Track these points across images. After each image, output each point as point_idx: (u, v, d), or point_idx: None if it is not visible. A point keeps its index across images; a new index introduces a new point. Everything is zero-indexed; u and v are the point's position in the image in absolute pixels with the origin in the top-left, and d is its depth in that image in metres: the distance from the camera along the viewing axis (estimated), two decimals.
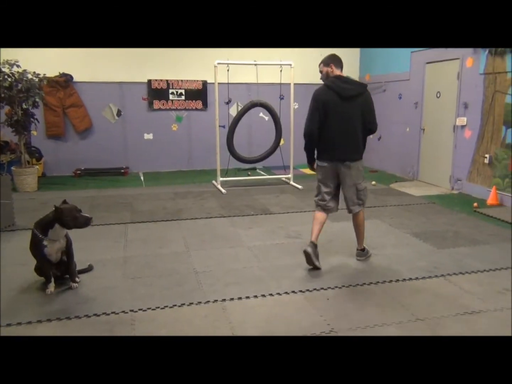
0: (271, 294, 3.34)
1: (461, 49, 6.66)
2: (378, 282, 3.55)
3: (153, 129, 8.95)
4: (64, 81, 8.20)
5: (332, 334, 2.78)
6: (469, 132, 6.68)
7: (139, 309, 3.10)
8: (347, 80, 3.79)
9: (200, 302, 3.21)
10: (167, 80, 8.80)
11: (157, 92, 8.81)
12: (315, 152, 3.98)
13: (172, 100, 8.91)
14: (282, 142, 7.88)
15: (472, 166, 6.68)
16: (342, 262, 4.00)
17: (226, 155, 7.40)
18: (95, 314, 3.03)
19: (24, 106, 7.02)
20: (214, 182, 7.60)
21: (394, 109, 8.37)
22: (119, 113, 8.75)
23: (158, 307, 3.13)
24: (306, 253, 3.78)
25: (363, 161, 3.93)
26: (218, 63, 6.98)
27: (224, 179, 7.40)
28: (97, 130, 8.67)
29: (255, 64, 7.18)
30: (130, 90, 8.69)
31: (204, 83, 8.95)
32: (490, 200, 6.09)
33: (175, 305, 3.16)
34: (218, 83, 7.11)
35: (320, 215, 3.94)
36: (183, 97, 8.95)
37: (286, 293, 3.37)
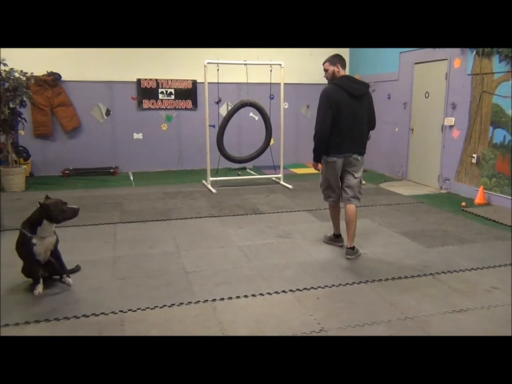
0: (261, 294, 3.34)
1: (449, 50, 6.73)
2: (367, 281, 3.57)
3: (143, 128, 8.91)
4: (52, 80, 8.12)
5: (322, 333, 2.79)
6: (457, 132, 6.75)
7: (129, 310, 3.08)
8: (354, 80, 4.08)
9: (190, 302, 3.20)
10: (156, 80, 8.76)
11: (146, 92, 8.76)
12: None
13: (161, 100, 8.88)
14: (272, 142, 7.88)
15: (460, 166, 6.75)
16: (332, 262, 4.01)
17: (216, 154, 7.39)
18: (84, 315, 3.00)
19: (11, 105, 6.94)
20: (204, 182, 7.59)
21: (383, 109, 8.41)
22: (108, 113, 8.69)
23: (148, 308, 3.11)
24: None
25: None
26: (208, 63, 6.97)
27: (214, 178, 7.38)
28: (85, 130, 8.60)
29: (245, 64, 7.18)
30: (119, 90, 8.64)
31: (194, 83, 8.93)
32: (478, 199, 6.16)
33: (165, 306, 3.15)
34: (208, 83, 7.09)
35: (334, 210, 4.31)
36: (172, 97, 8.92)
37: (276, 292, 3.37)
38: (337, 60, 4.02)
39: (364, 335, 2.75)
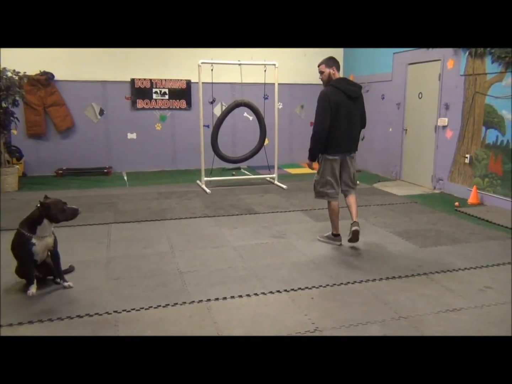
0: (256, 294, 3.34)
1: (443, 50, 6.77)
2: (361, 281, 3.58)
3: (137, 128, 8.88)
4: (45, 80, 8.07)
5: (317, 333, 2.79)
6: (450, 133, 6.79)
7: (123, 310, 3.07)
8: (350, 82, 4.30)
9: (185, 302, 3.19)
10: (150, 79, 8.74)
11: (140, 91, 8.74)
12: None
13: (155, 100, 8.86)
14: (266, 142, 7.89)
15: (453, 166, 6.79)
16: (326, 262, 4.02)
17: (210, 154, 7.38)
18: (78, 316, 2.99)
19: (3, 105, 6.89)
20: (198, 182, 7.57)
21: (377, 110, 8.45)
22: (101, 112, 8.66)
23: (143, 308, 3.10)
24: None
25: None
26: (202, 63, 6.96)
27: (209, 179, 7.37)
28: (79, 130, 8.56)
29: (239, 64, 7.18)
30: (113, 89, 8.60)
31: (188, 83, 8.91)
32: (471, 199, 6.20)
33: (160, 306, 3.14)
34: (202, 83, 7.09)
35: (333, 205, 4.35)
36: (167, 97, 8.90)
37: (271, 292, 3.37)
38: (332, 62, 4.20)
39: (359, 334, 2.76)
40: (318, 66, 4.24)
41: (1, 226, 4.90)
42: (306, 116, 9.53)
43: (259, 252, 4.24)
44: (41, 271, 3.43)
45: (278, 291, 3.39)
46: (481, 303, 3.21)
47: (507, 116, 5.78)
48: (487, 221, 5.30)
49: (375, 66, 8.68)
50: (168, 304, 3.16)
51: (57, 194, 6.50)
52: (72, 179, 8.00)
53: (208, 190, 6.96)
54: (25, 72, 7.20)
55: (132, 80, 8.66)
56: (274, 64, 7.34)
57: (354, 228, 4.22)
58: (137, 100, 8.75)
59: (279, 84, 7.61)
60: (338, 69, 4.22)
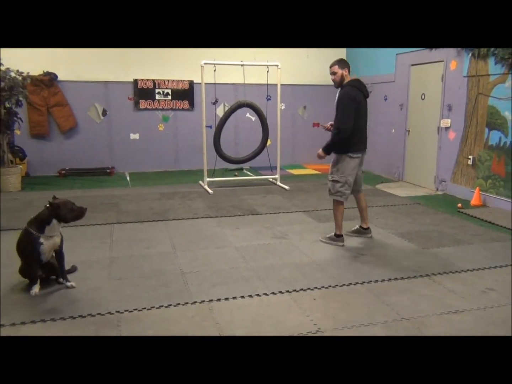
0: (258, 295, 3.34)
1: (445, 51, 6.77)
2: (364, 282, 3.58)
3: (139, 129, 8.89)
4: (48, 80, 8.10)
5: (319, 334, 2.79)
6: (453, 134, 6.78)
7: (125, 310, 3.07)
8: (363, 83, 4.43)
9: (187, 303, 3.20)
10: (153, 80, 8.76)
11: (143, 92, 8.75)
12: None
13: (158, 100, 8.87)
14: (269, 142, 7.89)
15: (456, 167, 6.78)
16: (328, 262, 4.02)
17: (213, 155, 7.39)
18: (80, 315, 2.99)
19: (7, 105, 6.93)
20: (201, 182, 7.58)
21: (380, 111, 8.44)
22: (104, 113, 8.68)
23: (145, 308, 3.11)
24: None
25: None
26: (205, 63, 6.96)
27: (211, 179, 7.38)
28: (82, 130, 8.58)
29: (242, 65, 7.18)
30: (116, 90, 8.62)
31: (191, 83, 8.92)
32: (474, 201, 6.19)
33: (162, 306, 3.14)
34: (205, 83, 7.09)
35: (341, 209, 4.41)
36: (169, 97, 8.91)
37: (273, 293, 3.37)
38: (344, 64, 4.34)
39: (361, 335, 2.76)
40: (330, 67, 4.32)
41: (4, 226, 4.91)
42: (308, 117, 9.51)
43: (261, 253, 4.24)
44: (44, 271, 3.44)
45: (280, 292, 3.39)
46: (483, 304, 3.20)
47: (510, 117, 5.77)
48: (490, 222, 5.29)
49: (378, 67, 8.67)
50: (170, 305, 3.17)
51: (60, 194, 6.50)
52: (75, 179, 8.02)
53: (210, 191, 6.96)
54: (28, 73, 7.22)
55: (135, 81, 8.67)
56: (277, 65, 7.35)
57: (369, 235, 4.69)
58: (140, 100, 8.76)
59: (281, 85, 7.61)
60: (349, 71, 4.37)
